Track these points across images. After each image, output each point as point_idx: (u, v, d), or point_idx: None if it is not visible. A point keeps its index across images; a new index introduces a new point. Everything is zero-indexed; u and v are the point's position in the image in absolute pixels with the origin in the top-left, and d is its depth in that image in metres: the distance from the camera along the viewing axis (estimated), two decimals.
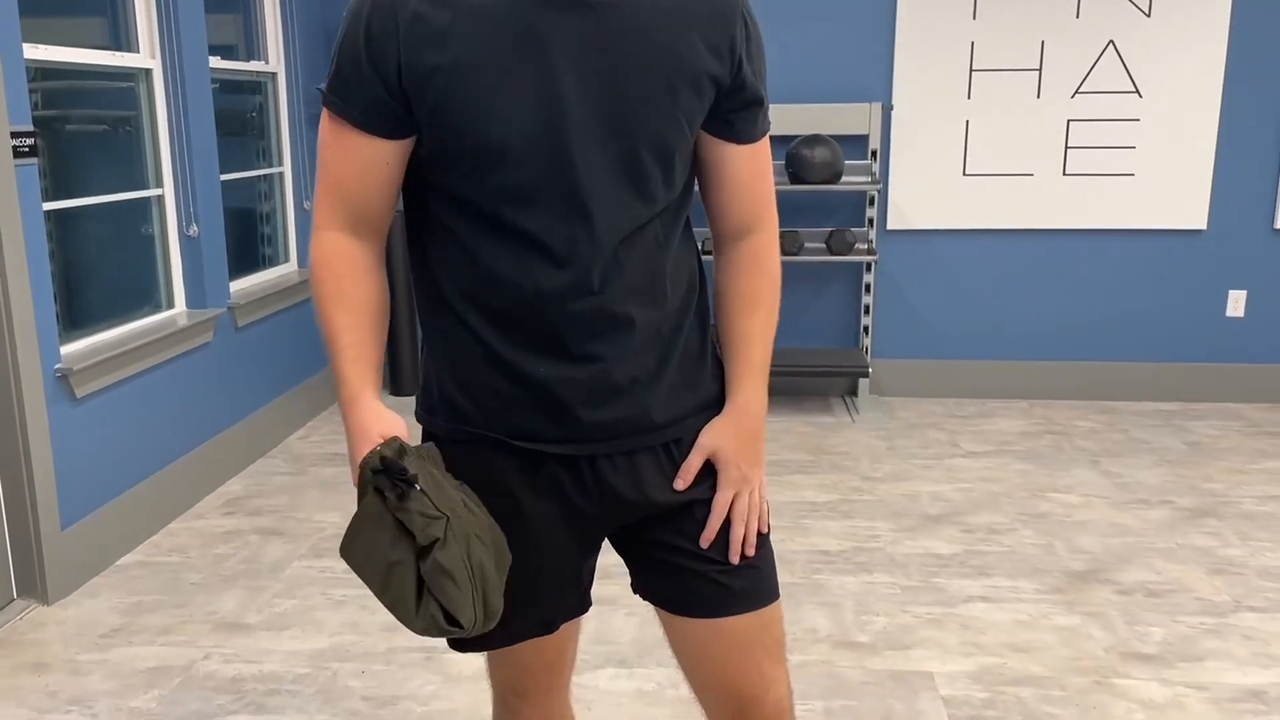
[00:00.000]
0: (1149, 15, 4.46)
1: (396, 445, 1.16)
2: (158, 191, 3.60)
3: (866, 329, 4.79)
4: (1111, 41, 4.50)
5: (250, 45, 4.35)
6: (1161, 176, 4.60)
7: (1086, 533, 3.34)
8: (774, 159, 3.93)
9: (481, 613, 1.16)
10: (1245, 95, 4.51)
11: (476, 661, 2.55)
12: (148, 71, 3.51)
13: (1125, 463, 4.00)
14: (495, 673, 1.47)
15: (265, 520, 3.48)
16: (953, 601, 2.88)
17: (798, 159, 4.45)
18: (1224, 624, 2.74)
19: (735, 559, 1.33)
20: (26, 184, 2.79)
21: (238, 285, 4.10)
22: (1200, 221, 4.63)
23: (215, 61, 3.89)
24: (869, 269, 4.71)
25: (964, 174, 4.66)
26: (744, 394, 1.34)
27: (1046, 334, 4.82)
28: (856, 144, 4.64)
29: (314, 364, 4.65)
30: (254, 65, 4.31)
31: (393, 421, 1.22)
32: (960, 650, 2.62)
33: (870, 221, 4.69)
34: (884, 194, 4.71)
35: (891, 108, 4.62)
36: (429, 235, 1.28)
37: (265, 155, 4.47)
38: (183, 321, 3.55)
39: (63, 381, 2.94)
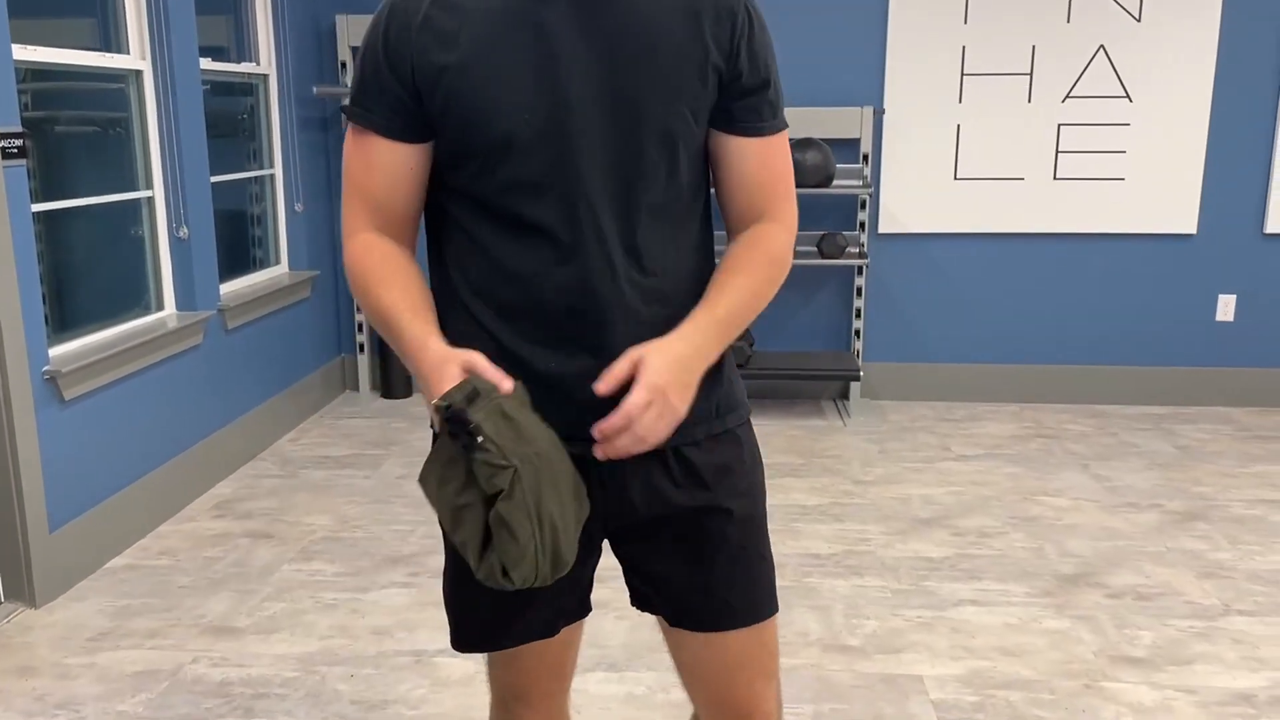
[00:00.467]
0: (1139, 20, 4.48)
1: (469, 389, 1.13)
2: (148, 193, 3.58)
3: (858, 332, 4.79)
4: (1102, 46, 4.51)
5: (241, 47, 4.34)
6: (1152, 181, 4.61)
7: (1076, 536, 3.34)
8: None
9: (548, 566, 1.15)
10: (1235, 100, 4.53)
11: (465, 666, 2.55)
12: (138, 73, 3.50)
13: (1115, 466, 4.02)
14: (496, 676, 1.46)
15: (255, 523, 3.46)
16: (943, 605, 2.88)
17: None
18: (1213, 627, 2.75)
19: (598, 434, 1.20)
20: (15, 186, 2.78)
21: (228, 287, 4.09)
22: (1190, 226, 4.65)
23: (206, 63, 3.88)
24: (860, 272, 4.71)
25: (955, 178, 4.68)
26: (691, 326, 1.24)
27: (1037, 337, 4.83)
28: (848, 147, 4.65)
29: (304, 366, 4.64)
30: (245, 67, 4.30)
31: (468, 354, 1.18)
32: (950, 654, 2.62)
33: (862, 225, 4.70)
34: (875, 198, 4.72)
35: (883, 111, 4.63)
36: (445, 234, 1.32)
37: (256, 157, 4.45)
38: (172, 324, 3.54)
39: (51, 384, 2.93)
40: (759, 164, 1.33)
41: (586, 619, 1.45)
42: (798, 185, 4.43)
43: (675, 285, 1.29)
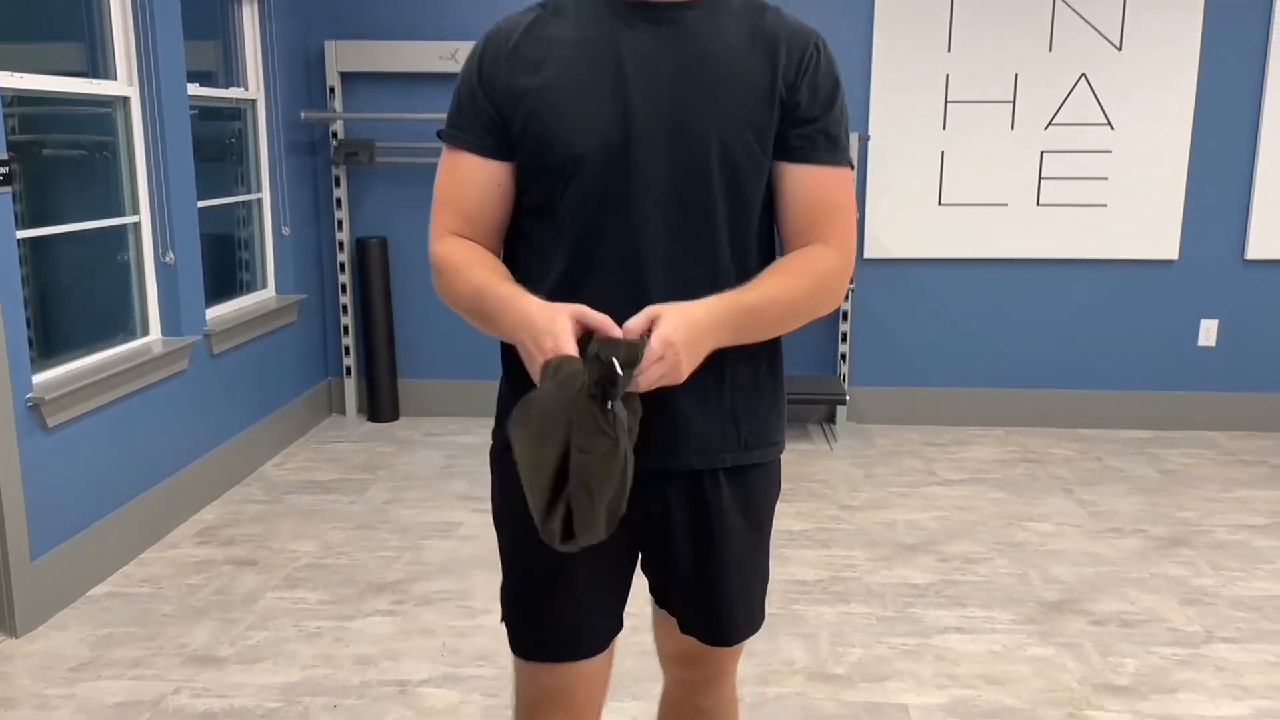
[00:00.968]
0: (1120, 49, 4.53)
1: (629, 351, 1.18)
2: (134, 219, 3.58)
3: (844, 357, 4.81)
4: (1083, 75, 4.56)
5: (230, 72, 4.35)
6: (1133, 207, 4.66)
7: (1061, 562, 3.36)
8: None
9: (602, 528, 1.21)
10: (1215, 127, 4.58)
11: (449, 698, 2.54)
12: (125, 99, 3.51)
13: (1099, 491, 4.03)
14: (527, 692, 1.49)
15: (239, 550, 3.45)
16: (928, 632, 2.88)
17: None
18: (1196, 655, 2.76)
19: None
20: (0, 212, 2.77)
21: (214, 312, 4.08)
22: (1172, 252, 4.69)
23: (194, 88, 3.88)
24: (847, 297, 4.74)
25: (940, 204, 4.71)
26: (717, 300, 1.28)
27: (1022, 362, 4.86)
28: None
29: (290, 390, 4.63)
30: (233, 92, 4.31)
31: (574, 305, 1.23)
32: (935, 682, 2.62)
33: None
34: (861, 223, 4.75)
35: (868, 138, 4.66)
36: (515, 249, 1.42)
37: (244, 181, 4.46)
38: (157, 349, 3.53)
39: (34, 411, 2.91)
40: (814, 191, 1.39)
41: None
42: None
43: None
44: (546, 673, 1.45)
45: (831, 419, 4.88)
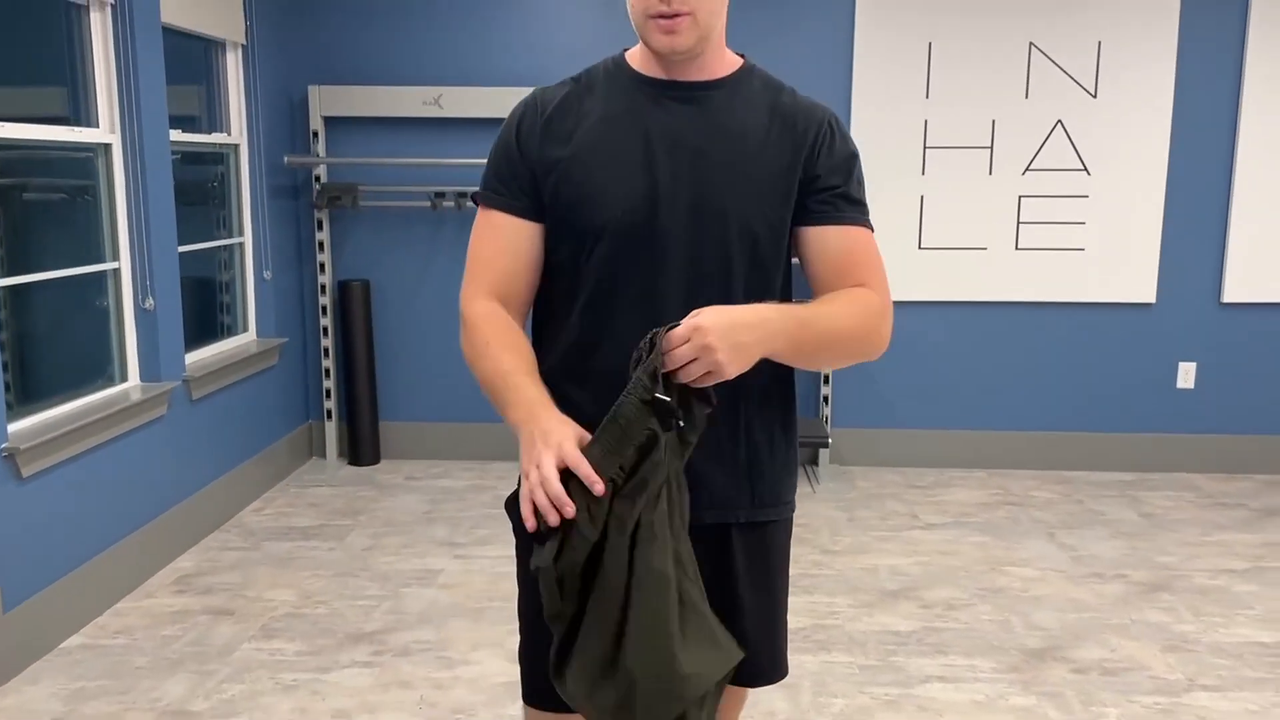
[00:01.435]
0: (1095, 96, 4.60)
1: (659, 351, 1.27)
2: (114, 265, 3.57)
3: (826, 399, 4.82)
4: (1060, 121, 4.63)
5: (213, 117, 4.37)
6: (1111, 251, 4.71)
7: (1043, 608, 3.35)
8: None
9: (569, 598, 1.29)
10: (1190, 172, 4.65)
11: None
12: (107, 146, 3.51)
13: (1081, 535, 4.04)
14: None
15: (216, 599, 3.41)
16: (910, 682, 2.87)
17: None
18: (1178, 704, 2.76)
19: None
20: None
21: (194, 356, 4.06)
22: (1149, 295, 4.74)
23: (176, 134, 3.89)
24: None
25: (920, 247, 4.75)
26: (764, 305, 1.34)
27: (1003, 404, 4.88)
28: None
29: (269, 434, 4.60)
30: (216, 137, 4.32)
31: (576, 430, 1.30)
32: None
33: None
34: None
35: None
36: (541, 311, 1.51)
37: (225, 225, 4.46)
38: (136, 395, 3.51)
39: (9, 461, 2.88)
40: (843, 244, 1.45)
41: None
42: None
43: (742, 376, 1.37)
44: None
45: (814, 461, 4.88)
